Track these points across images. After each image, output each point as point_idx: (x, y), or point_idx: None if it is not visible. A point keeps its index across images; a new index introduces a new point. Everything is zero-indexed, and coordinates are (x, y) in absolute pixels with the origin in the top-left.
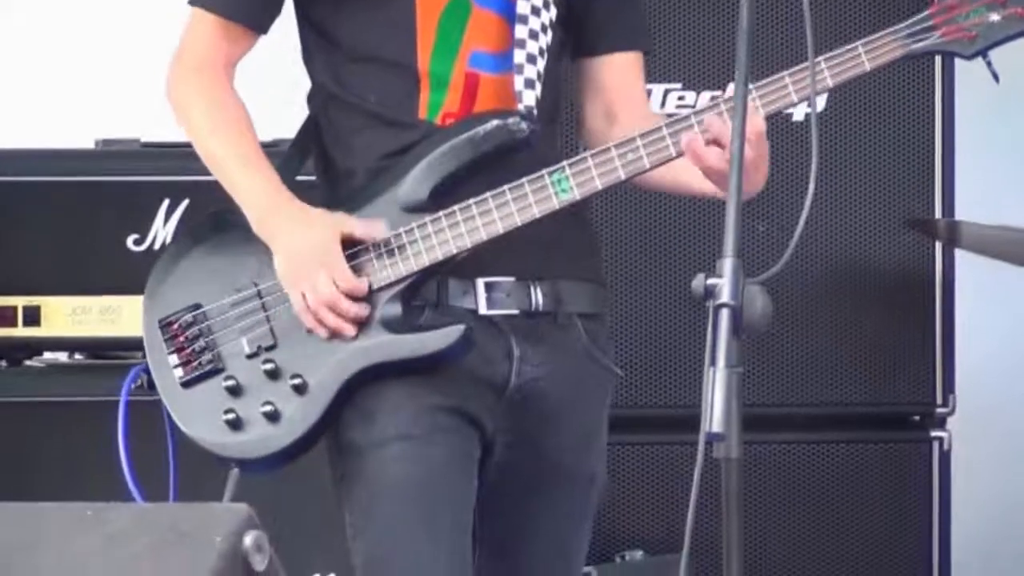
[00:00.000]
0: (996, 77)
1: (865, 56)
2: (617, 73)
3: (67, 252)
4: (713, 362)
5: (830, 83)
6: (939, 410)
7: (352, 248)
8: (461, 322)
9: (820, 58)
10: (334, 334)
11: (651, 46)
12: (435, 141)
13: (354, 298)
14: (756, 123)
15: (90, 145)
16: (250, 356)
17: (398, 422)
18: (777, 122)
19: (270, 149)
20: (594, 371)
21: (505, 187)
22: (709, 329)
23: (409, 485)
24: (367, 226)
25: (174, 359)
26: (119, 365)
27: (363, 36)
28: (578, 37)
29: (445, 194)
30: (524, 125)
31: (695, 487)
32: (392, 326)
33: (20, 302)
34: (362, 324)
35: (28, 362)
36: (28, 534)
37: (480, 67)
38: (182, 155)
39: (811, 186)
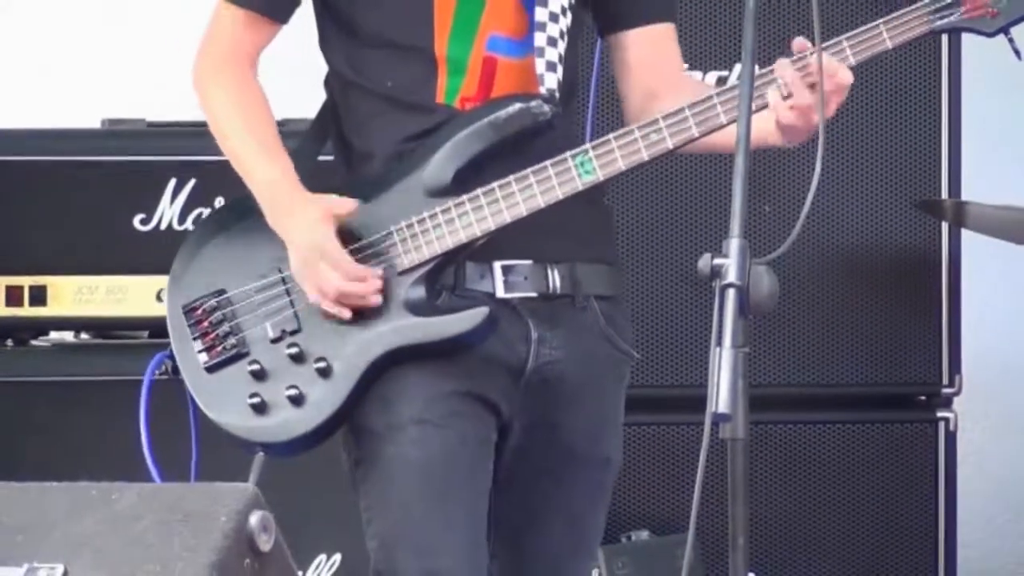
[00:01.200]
0: (1018, 54)
1: (887, 33)
2: (648, 47)
3: (73, 232)
4: (719, 342)
5: (852, 61)
6: (945, 390)
7: (376, 234)
8: (482, 304)
9: (842, 37)
10: (357, 314)
11: (676, 17)
12: (458, 125)
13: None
14: (842, 75)
15: (96, 125)
16: (274, 340)
17: (414, 407)
18: None
19: (280, 129)
20: (611, 354)
21: (528, 170)
22: (715, 309)
23: (424, 470)
24: (340, 203)
25: (198, 344)
26: (125, 345)
27: (380, 20)
28: (604, 13)
29: (468, 178)
30: (546, 108)
31: (701, 467)
32: (416, 309)
33: (26, 282)
34: (386, 307)
35: (34, 342)
36: (33, 514)
37: (498, 51)
38: (188, 134)
39: (817, 166)
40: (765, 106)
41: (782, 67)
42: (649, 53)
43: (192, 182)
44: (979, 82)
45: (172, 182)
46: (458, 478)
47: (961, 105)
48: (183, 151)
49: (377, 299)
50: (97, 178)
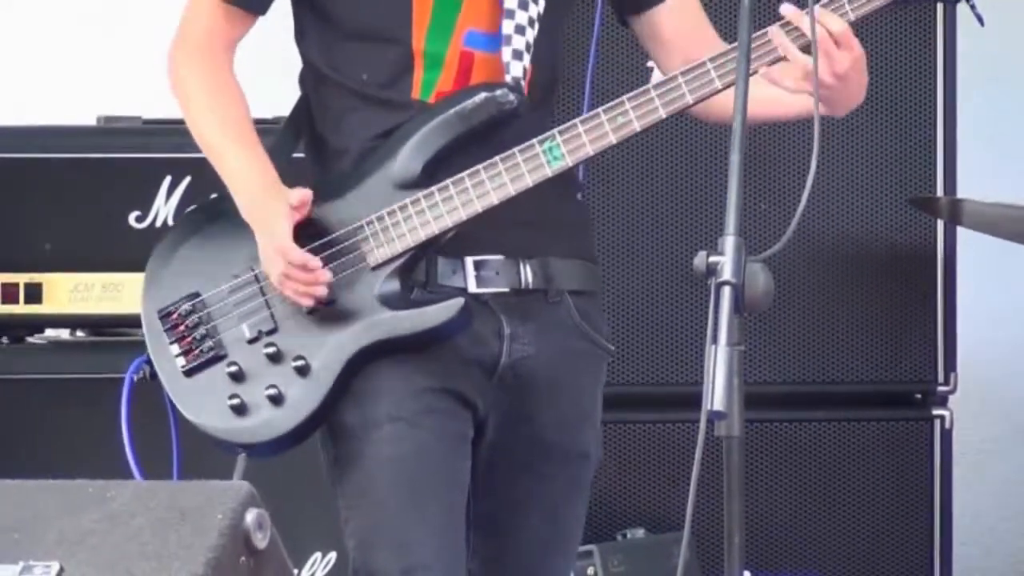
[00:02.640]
0: (981, 20)
1: (849, 6)
2: (680, 17)
3: (69, 229)
4: (715, 340)
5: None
6: (940, 388)
7: (347, 227)
8: (456, 296)
9: (805, 11)
10: (317, 303)
11: None
12: (425, 117)
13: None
14: (836, 24)
15: (92, 122)
16: (251, 341)
17: (389, 404)
18: None
19: (270, 126)
20: (586, 348)
21: (497, 158)
22: (711, 307)
23: (400, 467)
24: (296, 194)
25: (175, 348)
26: (121, 342)
27: (358, 13)
28: None
29: (438, 169)
30: (512, 96)
31: (696, 465)
32: (390, 303)
33: (22, 279)
34: (361, 303)
35: (30, 339)
36: (29, 512)
37: (475, 46)
38: (184, 132)
39: (813, 164)
40: (753, 72)
41: (775, 34)
42: (684, 21)
43: (187, 179)
44: (974, 79)
45: (167, 180)
46: (433, 475)
47: (956, 102)
48: (178, 149)
49: (322, 291)
50: (93, 176)
